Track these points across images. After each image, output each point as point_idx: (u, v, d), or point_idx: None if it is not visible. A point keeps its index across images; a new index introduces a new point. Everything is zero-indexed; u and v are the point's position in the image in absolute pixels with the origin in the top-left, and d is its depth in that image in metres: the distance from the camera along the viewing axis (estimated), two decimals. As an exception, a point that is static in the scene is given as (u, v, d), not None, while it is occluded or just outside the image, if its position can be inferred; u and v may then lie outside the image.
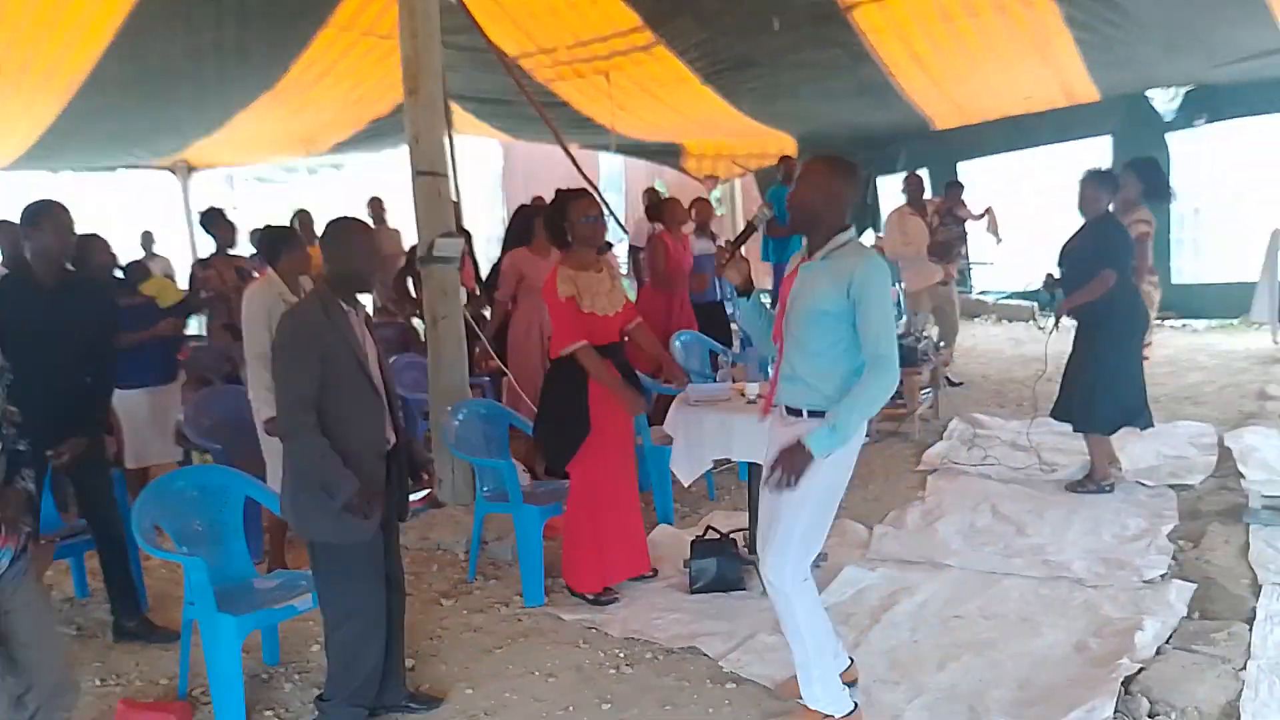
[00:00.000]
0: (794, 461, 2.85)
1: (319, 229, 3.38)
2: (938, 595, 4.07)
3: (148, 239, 9.67)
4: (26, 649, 2.56)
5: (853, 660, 3.34)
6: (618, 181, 15.73)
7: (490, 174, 16.47)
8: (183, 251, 10.35)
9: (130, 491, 4.48)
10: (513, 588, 4.35)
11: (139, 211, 12.67)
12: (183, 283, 7.39)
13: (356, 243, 3.10)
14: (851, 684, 3.24)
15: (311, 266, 4.46)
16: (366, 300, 5.96)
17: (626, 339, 4.23)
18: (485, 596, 4.33)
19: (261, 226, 4.94)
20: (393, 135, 10.28)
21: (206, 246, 8.34)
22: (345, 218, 3.21)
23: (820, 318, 2.92)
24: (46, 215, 3.78)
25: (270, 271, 4.35)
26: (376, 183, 10.92)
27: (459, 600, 4.30)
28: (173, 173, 10.92)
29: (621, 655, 3.73)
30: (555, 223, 4.01)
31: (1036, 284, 5.53)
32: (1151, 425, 5.27)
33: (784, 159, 9.81)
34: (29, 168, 9.57)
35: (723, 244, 7.04)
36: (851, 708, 3.07)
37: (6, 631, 2.53)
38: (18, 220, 3.78)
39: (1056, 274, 5.25)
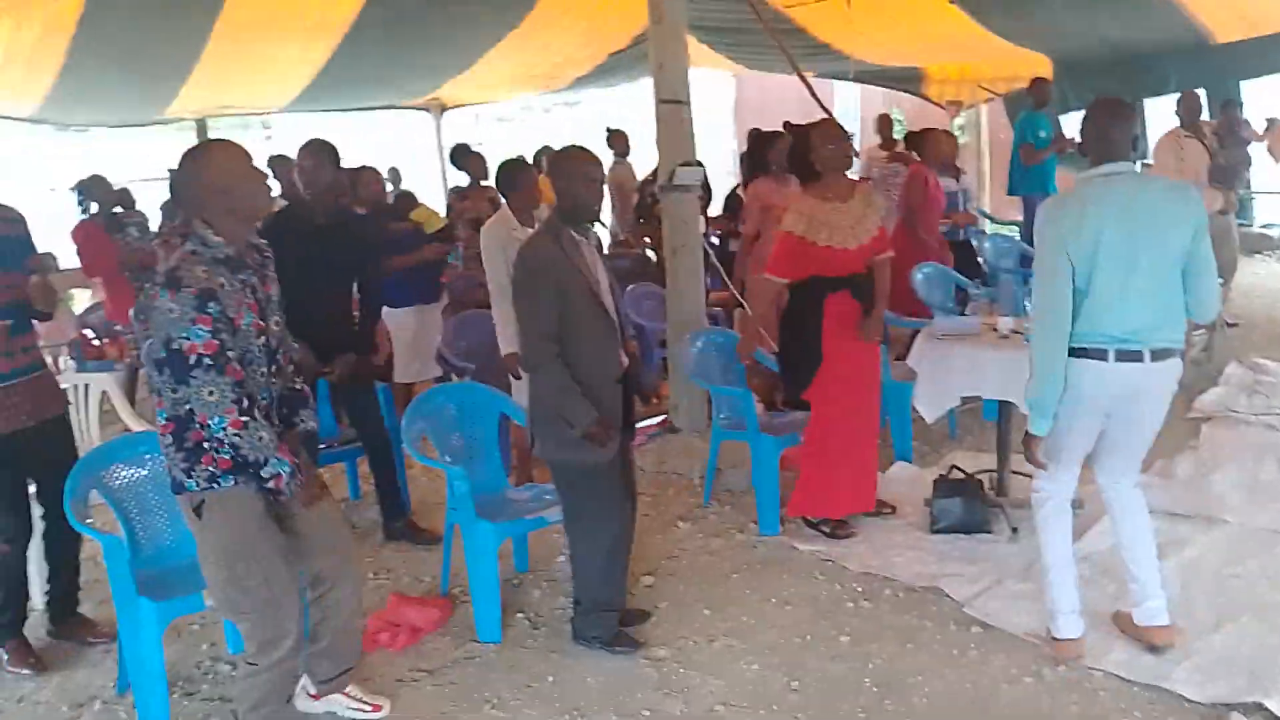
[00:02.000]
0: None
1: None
2: (1212, 551, 3.73)
3: (395, 174, 10.33)
4: (310, 539, 2.86)
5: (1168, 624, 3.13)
6: (853, 111, 15.18)
7: (723, 107, 16.33)
8: (436, 185, 10.97)
9: (396, 405, 4.85)
10: (747, 515, 4.38)
11: (394, 149, 13.53)
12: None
13: (580, 171, 3.15)
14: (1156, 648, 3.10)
15: (542, 199, 4.60)
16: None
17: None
18: (720, 522, 4.39)
19: (502, 163, 5.12)
20: (629, 69, 10.36)
21: (457, 180, 8.78)
22: (569, 147, 3.26)
23: None
24: (316, 152, 4.09)
25: (504, 206, 4.53)
26: (608, 119, 11.07)
27: (695, 524, 4.38)
28: (427, 111, 11.56)
29: (859, 590, 3.68)
30: (800, 156, 3.91)
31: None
32: None
33: (1036, 81, 9.09)
34: (301, 110, 10.41)
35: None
36: (1070, 635, 3.09)
37: (294, 528, 2.82)
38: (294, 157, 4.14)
39: None
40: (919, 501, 4.29)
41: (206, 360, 2.47)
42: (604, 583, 3.34)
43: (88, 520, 3.09)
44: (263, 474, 2.56)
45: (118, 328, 6.67)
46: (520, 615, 3.65)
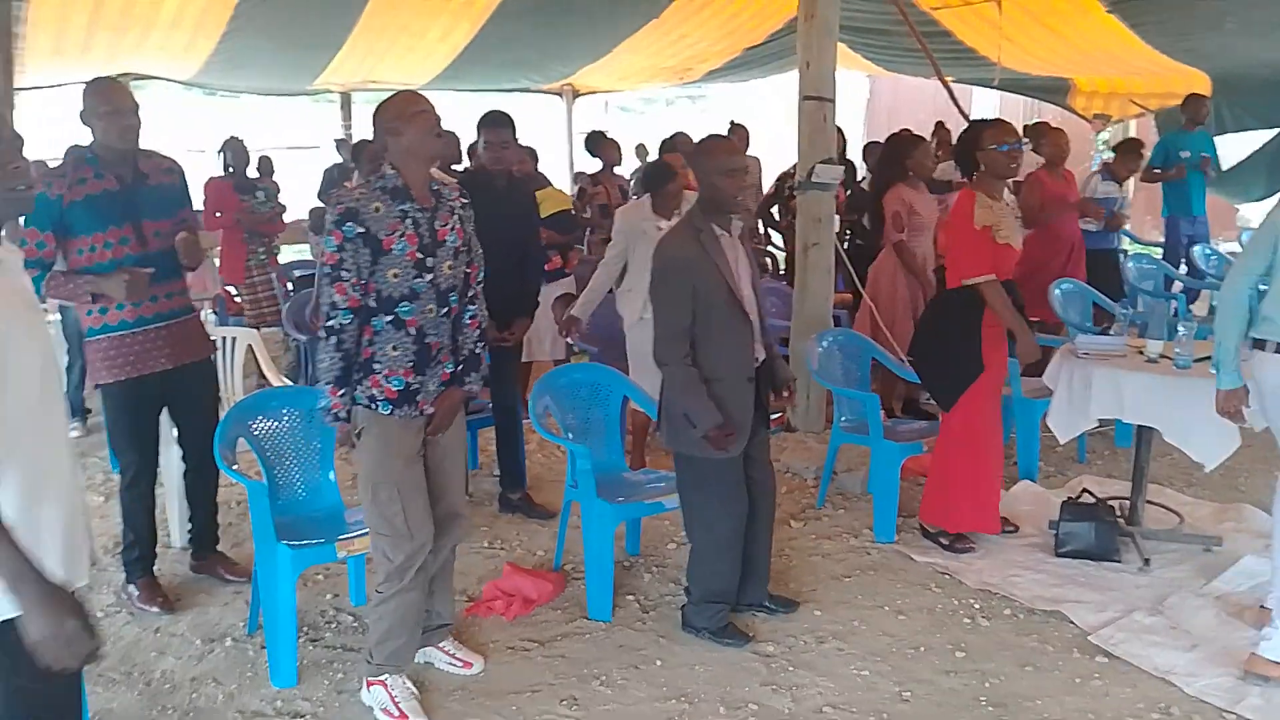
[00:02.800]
0: None
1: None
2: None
3: (533, 155, 10.51)
4: (432, 474, 2.96)
5: None
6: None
7: (854, 108, 16.10)
8: (563, 169, 11.14)
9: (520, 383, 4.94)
10: (861, 520, 4.32)
11: (523, 131, 13.78)
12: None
13: (719, 164, 3.13)
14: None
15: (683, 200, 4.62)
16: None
17: None
18: (833, 525, 4.34)
19: (649, 162, 5.13)
20: (762, 65, 10.32)
21: (583, 165, 8.88)
22: (710, 139, 3.25)
23: None
24: (504, 124, 4.16)
25: (645, 198, 4.57)
26: (730, 114, 11.04)
27: (807, 524, 4.34)
28: (559, 96, 11.74)
29: (977, 606, 3.59)
30: (966, 152, 3.81)
31: None
32: None
33: (1191, 99, 8.67)
34: (439, 88, 10.69)
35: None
36: None
37: (430, 456, 2.96)
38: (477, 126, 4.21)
39: None
40: (1042, 522, 4.16)
41: (327, 269, 2.74)
42: (715, 575, 3.34)
43: (234, 466, 3.25)
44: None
45: (228, 287, 6.96)
46: (630, 597, 3.68)
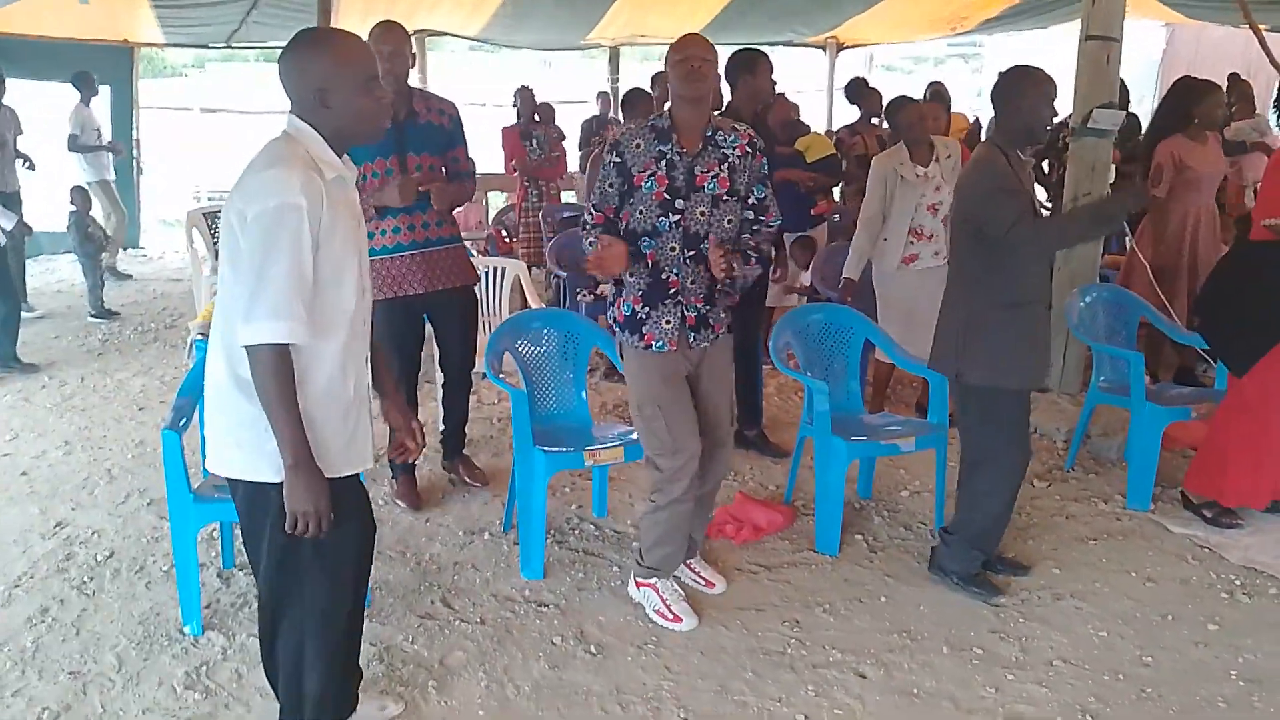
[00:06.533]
0: None
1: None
2: None
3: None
4: (701, 403, 3.09)
5: None
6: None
7: (1147, 60, 14.73)
8: (822, 121, 11.02)
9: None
10: (1113, 486, 4.10)
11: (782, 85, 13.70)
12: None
13: (1041, 90, 3.02)
14: None
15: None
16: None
17: None
18: (1082, 488, 4.15)
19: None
20: (1042, 13, 9.69)
21: (844, 118, 8.77)
22: (1020, 67, 3.13)
23: None
24: (757, 61, 4.22)
25: (901, 142, 4.50)
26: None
27: (1053, 486, 4.17)
28: (823, 50, 11.58)
29: (1238, 582, 3.34)
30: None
31: None
32: None
33: None
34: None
35: None
36: None
37: (696, 387, 3.10)
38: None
39: None
40: (1331, 504, 3.77)
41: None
42: (989, 522, 3.24)
43: (500, 376, 3.57)
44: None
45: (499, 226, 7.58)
46: (858, 536, 3.71)
